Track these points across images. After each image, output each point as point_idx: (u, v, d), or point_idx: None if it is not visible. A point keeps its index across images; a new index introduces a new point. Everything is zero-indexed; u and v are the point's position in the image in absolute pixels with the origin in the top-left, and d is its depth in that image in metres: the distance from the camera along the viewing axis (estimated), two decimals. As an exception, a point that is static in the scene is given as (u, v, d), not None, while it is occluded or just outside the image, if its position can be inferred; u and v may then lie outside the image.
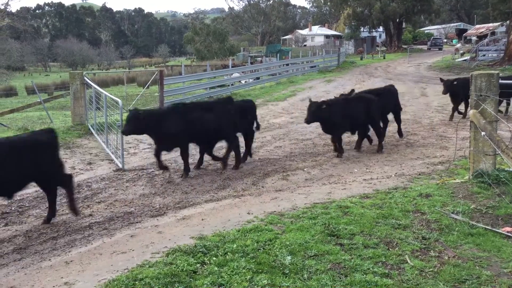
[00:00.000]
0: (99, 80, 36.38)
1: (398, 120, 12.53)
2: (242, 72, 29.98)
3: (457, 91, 14.68)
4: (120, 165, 10.12)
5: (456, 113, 15.23)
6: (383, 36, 77.65)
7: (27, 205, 7.72)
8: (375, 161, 10.14)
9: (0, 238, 6.22)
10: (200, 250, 4.96)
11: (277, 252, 4.84)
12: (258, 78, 30.12)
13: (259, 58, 54.52)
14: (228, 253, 4.83)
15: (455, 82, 14.75)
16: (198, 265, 4.61)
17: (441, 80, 15.25)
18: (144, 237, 5.73)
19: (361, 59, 55.77)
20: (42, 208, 7.53)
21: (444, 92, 15.22)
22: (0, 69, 41.93)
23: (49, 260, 5.26)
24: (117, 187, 8.74)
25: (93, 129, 13.19)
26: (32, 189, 8.53)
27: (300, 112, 18.08)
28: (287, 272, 4.43)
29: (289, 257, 4.72)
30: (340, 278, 4.31)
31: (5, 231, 6.54)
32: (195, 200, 7.64)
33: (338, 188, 7.74)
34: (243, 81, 28.75)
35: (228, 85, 25.33)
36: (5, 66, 46.34)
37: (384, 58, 56.29)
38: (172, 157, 11.14)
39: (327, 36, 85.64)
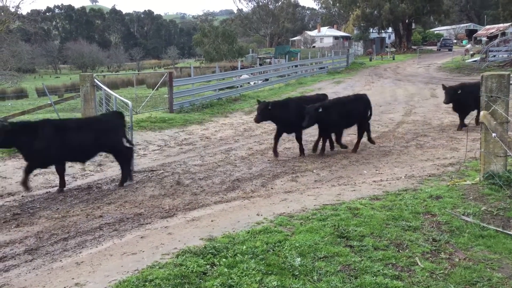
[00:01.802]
0: (109, 82, 36.56)
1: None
2: (251, 74, 30.00)
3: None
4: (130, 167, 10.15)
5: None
6: (393, 37, 77.41)
7: (38, 206, 7.78)
8: (385, 162, 10.11)
9: (11, 239, 6.27)
10: (210, 251, 4.96)
11: (287, 254, 4.83)
12: (267, 80, 30.13)
13: (268, 60, 54.54)
14: (238, 255, 4.83)
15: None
16: (207, 266, 4.62)
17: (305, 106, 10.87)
18: (154, 238, 5.74)
19: (370, 60, 55.64)
20: (53, 209, 7.59)
21: (305, 126, 10.76)
22: (10, 71, 42.21)
23: (60, 261, 5.30)
24: (127, 188, 8.79)
25: (103, 130, 13.24)
26: (43, 190, 8.63)
27: (309, 114, 18.06)
28: (297, 273, 4.42)
29: (298, 259, 4.71)
30: (350, 280, 4.30)
31: (16, 232, 6.59)
32: (205, 201, 7.66)
33: (347, 189, 7.71)
34: (252, 83, 28.75)
35: (237, 87, 25.37)
36: (15, 68, 46.69)
37: (393, 59, 56.10)
38: (181, 158, 11.17)
39: (336, 37, 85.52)
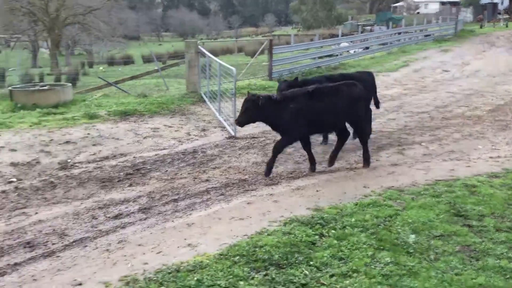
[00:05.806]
0: (208, 50, 37.04)
1: None
2: (351, 42, 29.08)
3: None
4: (232, 133, 10.31)
5: None
6: (506, 2, 71.15)
7: (148, 167, 8.12)
8: (502, 138, 9.36)
9: (126, 198, 6.60)
10: (318, 221, 4.90)
11: (399, 230, 4.65)
12: (367, 48, 29.06)
13: (369, 27, 52.65)
14: (347, 227, 4.73)
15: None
16: (316, 236, 4.57)
17: None
18: (260, 205, 5.78)
19: (481, 27, 51.66)
20: (162, 171, 7.89)
21: None
22: (118, 38, 44.47)
23: (172, 221, 5.50)
24: (230, 154, 8.92)
25: (206, 97, 13.55)
26: (152, 152, 8.99)
27: (414, 84, 17.24)
28: (411, 251, 4.23)
29: (412, 236, 4.51)
30: (471, 261, 4.04)
31: (130, 191, 6.94)
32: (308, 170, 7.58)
33: (461, 165, 7.25)
34: (351, 51, 27.88)
35: (337, 55, 24.73)
36: (122, 35, 49.10)
37: (506, 26, 51.64)
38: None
39: (442, 3, 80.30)
